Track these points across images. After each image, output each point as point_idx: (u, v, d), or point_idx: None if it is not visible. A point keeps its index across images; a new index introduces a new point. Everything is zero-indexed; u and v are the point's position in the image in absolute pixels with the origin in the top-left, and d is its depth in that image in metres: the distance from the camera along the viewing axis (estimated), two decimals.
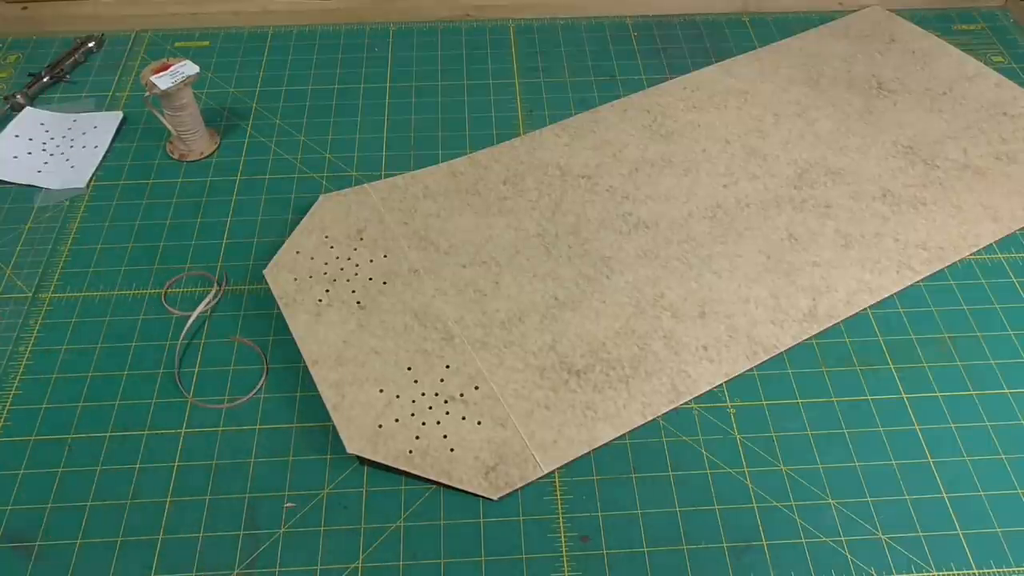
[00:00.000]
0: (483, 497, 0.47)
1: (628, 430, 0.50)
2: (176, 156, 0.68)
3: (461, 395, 0.51)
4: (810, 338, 0.55)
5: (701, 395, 0.52)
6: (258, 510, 0.47)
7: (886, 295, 0.57)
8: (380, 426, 0.49)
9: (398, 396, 0.51)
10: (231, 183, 0.66)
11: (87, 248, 0.61)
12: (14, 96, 0.72)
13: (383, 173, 0.66)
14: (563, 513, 0.47)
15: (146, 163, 0.67)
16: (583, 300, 0.56)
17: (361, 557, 0.46)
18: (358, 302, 0.56)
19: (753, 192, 0.63)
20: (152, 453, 0.50)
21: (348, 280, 0.57)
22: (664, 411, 0.51)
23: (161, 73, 0.63)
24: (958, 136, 0.68)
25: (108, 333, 0.55)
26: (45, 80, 0.73)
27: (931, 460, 0.49)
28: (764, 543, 0.46)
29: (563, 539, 0.46)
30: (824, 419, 0.51)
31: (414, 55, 0.77)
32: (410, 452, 0.48)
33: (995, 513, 0.47)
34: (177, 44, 0.78)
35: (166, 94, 0.63)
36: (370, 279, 0.57)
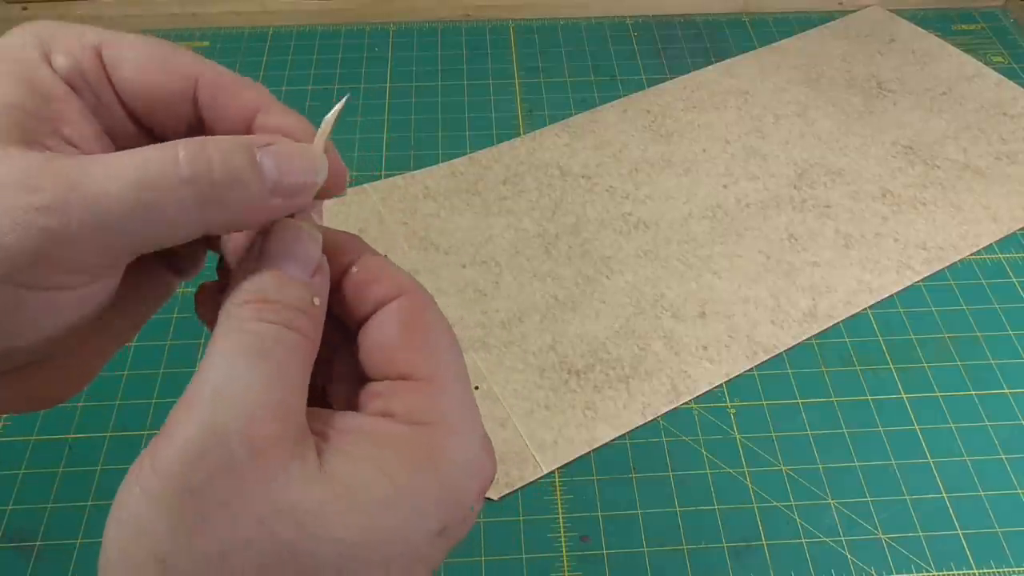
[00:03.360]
0: None
1: (628, 430, 0.50)
2: None
3: None
4: (810, 338, 0.55)
5: (701, 395, 0.52)
6: None
7: (886, 295, 0.57)
8: None
9: None
10: None
11: None
12: None
13: (383, 173, 0.66)
14: (563, 513, 0.47)
15: None
16: (583, 300, 0.56)
17: None
18: None
19: (753, 192, 0.63)
20: None
21: None
22: (664, 411, 0.51)
23: None
24: (958, 136, 0.68)
25: None
26: None
27: (931, 460, 0.49)
28: (764, 543, 0.46)
29: (563, 539, 0.46)
30: (824, 419, 0.51)
31: (414, 55, 0.77)
32: None
33: (995, 513, 0.47)
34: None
35: None
36: None
